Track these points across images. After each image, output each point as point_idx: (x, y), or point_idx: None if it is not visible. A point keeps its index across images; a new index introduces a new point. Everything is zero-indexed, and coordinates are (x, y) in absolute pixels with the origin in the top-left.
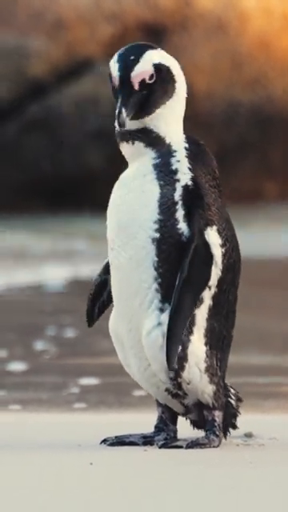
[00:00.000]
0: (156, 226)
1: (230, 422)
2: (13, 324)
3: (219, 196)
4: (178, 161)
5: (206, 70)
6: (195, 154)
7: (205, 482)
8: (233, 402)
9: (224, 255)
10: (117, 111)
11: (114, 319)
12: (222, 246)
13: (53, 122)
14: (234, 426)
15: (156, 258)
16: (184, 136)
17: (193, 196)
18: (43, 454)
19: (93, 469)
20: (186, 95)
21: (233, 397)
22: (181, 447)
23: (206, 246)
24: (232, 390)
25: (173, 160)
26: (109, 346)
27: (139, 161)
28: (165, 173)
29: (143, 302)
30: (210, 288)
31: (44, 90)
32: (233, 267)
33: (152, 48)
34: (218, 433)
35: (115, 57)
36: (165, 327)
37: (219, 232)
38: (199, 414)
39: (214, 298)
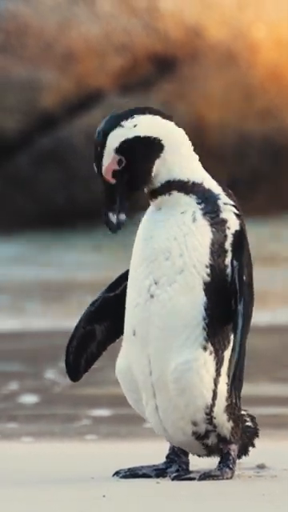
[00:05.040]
0: (208, 271)
1: (250, 440)
2: (24, 355)
3: None
4: (225, 206)
5: (217, 102)
6: (231, 195)
7: None
8: (249, 423)
9: None
10: (103, 217)
11: (139, 361)
12: None
13: (63, 153)
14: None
15: (206, 299)
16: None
17: (241, 243)
18: (56, 487)
19: (106, 501)
20: (183, 130)
21: (247, 418)
22: (193, 479)
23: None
24: (244, 412)
25: (219, 204)
26: None
27: (181, 207)
28: (214, 218)
29: (189, 336)
30: None
31: (54, 121)
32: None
33: (117, 123)
34: (231, 465)
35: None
36: (207, 366)
37: None
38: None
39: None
